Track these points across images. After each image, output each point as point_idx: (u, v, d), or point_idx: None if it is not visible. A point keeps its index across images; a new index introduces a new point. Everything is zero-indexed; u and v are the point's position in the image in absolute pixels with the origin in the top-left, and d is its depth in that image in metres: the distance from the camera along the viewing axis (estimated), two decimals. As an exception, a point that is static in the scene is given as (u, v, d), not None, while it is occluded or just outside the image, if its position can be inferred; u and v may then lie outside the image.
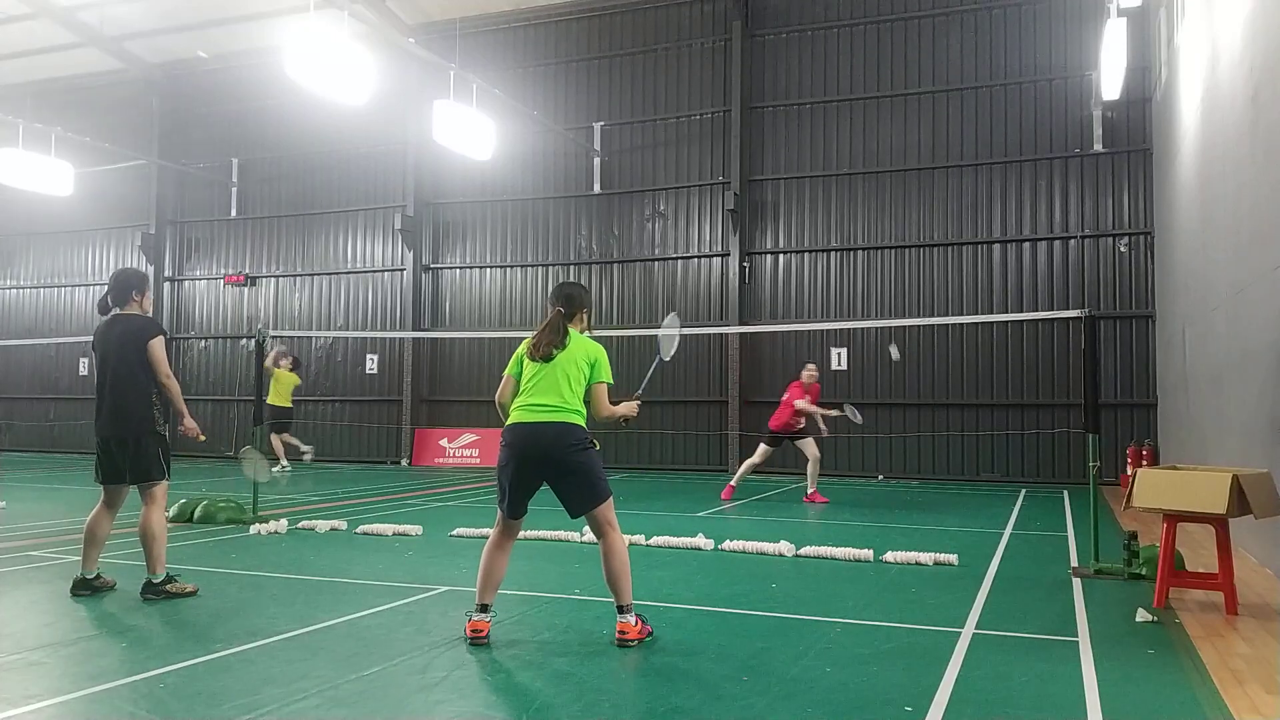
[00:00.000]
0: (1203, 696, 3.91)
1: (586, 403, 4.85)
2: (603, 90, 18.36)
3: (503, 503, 4.79)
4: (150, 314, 6.04)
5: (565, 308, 4.91)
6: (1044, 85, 15.64)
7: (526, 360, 4.84)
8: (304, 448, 16.33)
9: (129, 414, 5.75)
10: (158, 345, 5.80)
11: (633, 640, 4.64)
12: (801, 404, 11.76)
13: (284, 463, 15.90)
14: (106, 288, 5.99)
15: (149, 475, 5.80)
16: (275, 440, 15.68)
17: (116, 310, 5.94)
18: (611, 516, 4.74)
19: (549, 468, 4.69)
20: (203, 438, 6.21)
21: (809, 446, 11.85)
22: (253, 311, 20.91)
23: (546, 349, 4.78)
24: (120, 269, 6.22)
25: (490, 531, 4.99)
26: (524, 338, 5.04)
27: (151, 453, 5.79)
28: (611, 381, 4.92)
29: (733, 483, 12.24)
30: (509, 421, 4.79)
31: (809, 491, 11.96)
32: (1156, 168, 14.52)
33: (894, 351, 12.78)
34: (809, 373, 12.12)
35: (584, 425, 4.76)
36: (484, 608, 4.74)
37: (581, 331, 4.99)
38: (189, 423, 6.03)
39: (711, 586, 6.26)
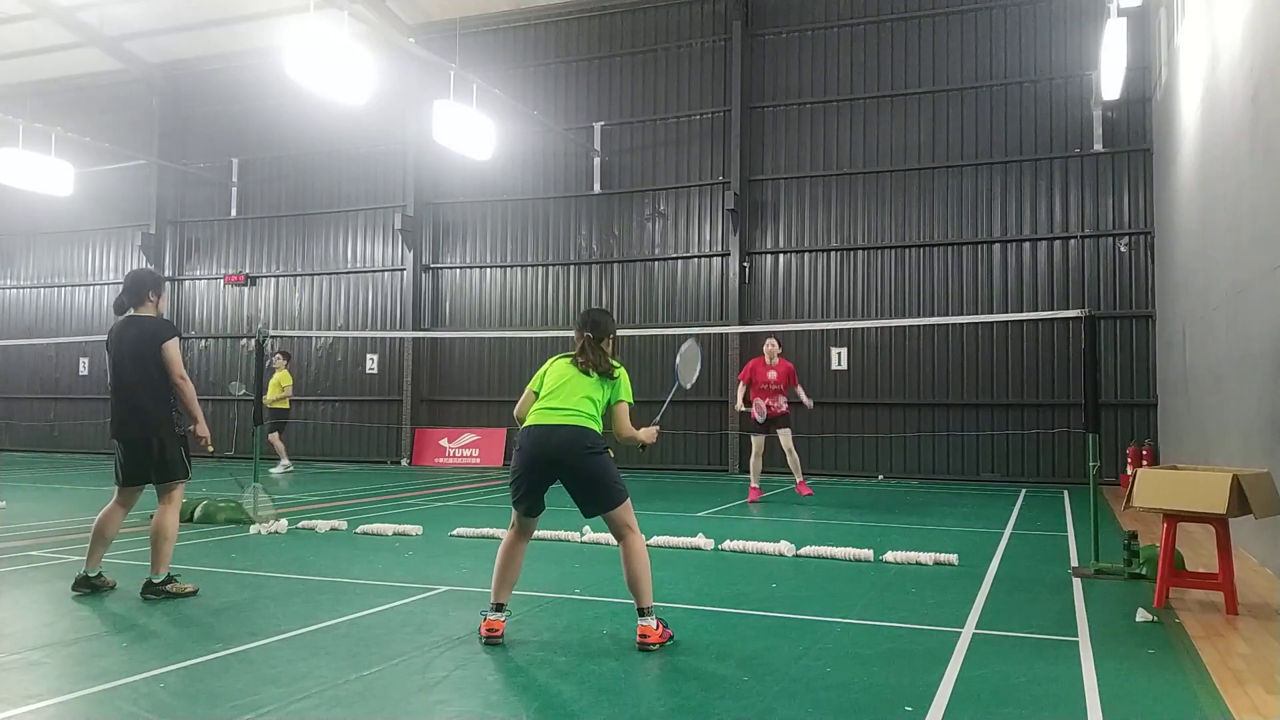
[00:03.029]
0: (1203, 696, 3.91)
1: (605, 421, 4.88)
2: (603, 90, 18.36)
3: (517, 502, 4.81)
4: (165, 315, 6.06)
5: (594, 333, 4.96)
6: (1044, 85, 15.63)
7: (550, 372, 4.91)
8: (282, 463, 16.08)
9: (148, 416, 5.77)
10: (172, 347, 5.82)
11: (654, 644, 4.57)
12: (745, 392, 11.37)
13: (285, 462, 15.99)
14: (122, 288, 6.01)
15: (172, 475, 5.85)
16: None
17: (132, 311, 5.95)
18: (630, 519, 4.73)
19: (561, 470, 4.69)
20: (210, 448, 6.23)
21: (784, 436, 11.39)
22: (253, 311, 20.91)
23: (588, 366, 4.84)
24: (136, 269, 6.25)
25: (503, 532, 4.99)
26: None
27: (175, 453, 5.84)
28: (632, 401, 4.97)
29: (754, 484, 11.75)
30: (526, 424, 4.81)
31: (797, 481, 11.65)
32: (1156, 168, 14.51)
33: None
34: (769, 346, 11.50)
35: (599, 430, 4.77)
36: (499, 607, 4.76)
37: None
38: (202, 429, 6.04)
39: (711, 586, 6.26)
